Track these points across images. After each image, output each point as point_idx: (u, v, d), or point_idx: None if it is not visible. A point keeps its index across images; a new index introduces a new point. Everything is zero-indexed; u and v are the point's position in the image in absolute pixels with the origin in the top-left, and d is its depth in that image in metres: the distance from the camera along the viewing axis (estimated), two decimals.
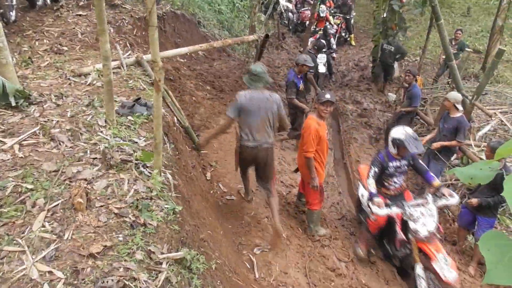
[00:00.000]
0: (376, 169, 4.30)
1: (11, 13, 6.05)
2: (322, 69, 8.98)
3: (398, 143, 4.16)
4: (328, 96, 4.20)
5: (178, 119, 4.85)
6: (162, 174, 3.05)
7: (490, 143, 4.54)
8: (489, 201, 4.44)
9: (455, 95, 5.51)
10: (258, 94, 4.08)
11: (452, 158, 6.40)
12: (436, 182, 4.30)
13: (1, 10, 5.72)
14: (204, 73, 7.61)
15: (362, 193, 4.94)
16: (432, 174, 4.44)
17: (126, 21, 7.12)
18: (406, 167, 4.46)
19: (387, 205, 4.17)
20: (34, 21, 6.60)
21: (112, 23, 6.77)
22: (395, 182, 4.47)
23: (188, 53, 6.88)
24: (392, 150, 4.30)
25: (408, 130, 4.20)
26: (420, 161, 4.55)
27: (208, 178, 4.85)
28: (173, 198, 2.90)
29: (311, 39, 10.00)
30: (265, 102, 4.05)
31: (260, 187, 4.60)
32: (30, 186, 2.65)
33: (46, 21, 6.77)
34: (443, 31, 6.61)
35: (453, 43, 9.56)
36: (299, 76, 6.17)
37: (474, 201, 4.54)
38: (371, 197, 4.16)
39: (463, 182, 1.32)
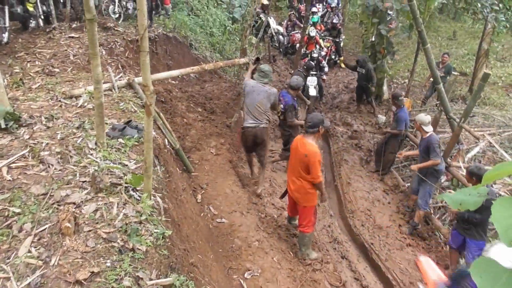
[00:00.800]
0: None
1: (3, 34, 6.07)
2: (312, 92, 9.09)
3: None
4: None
5: (169, 141, 4.84)
6: (152, 197, 3.03)
7: (469, 167, 4.62)
8: (463, 216, 4.46)
9: (420, 117, 5.71)
10: (260, 86, 5.29)
11: (443, 180, 6.45)
12: None
13: None
14: (195, 95, 7.65)
15: None
16: None
17: (118, 43, 7.18)
18: None
19: None
20: (27, 42, 6.62)
21: (104, 45, 6.82)
22: None
23: (179, 75, 6.94)
24: None
25: None
26: None
27: (198, 201, 4.82)
28: (162, 222, 2.87)
29: (301, 62, 10.15)
30: (263, 93, 5.24)
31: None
32: (17, 210, 2.60)
33: (38, 43, 6.80)
34: (430, 55, 6.78)
35: (440, 67, 9.77)
36: (295, 98, 6.33)
37: (453, 211, 4.57)
38: None
39: (453, 207, 1.34)
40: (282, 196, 4.95)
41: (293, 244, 4.89)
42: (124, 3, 8.98)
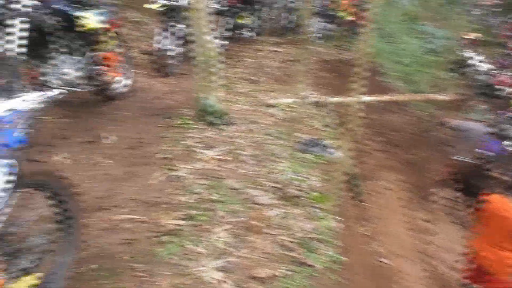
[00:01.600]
0: None
1: (224, 42, 7.07)
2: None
3: None
4: None
5: (346, 165, 4.82)
6: (332, 219, 3.05)
7: None
8: None
9: None
10: (475, 125, 5.74)
11: None
12: None
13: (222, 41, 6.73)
14: (376, 123, 7.45)
15: None
16: None
17: (314, 62, 7.55)
18: None
19: None
20: (236, 51, 7.52)
21: (301, 62, 7.26)
22: None
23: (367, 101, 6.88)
24: None
25: None
26: None
27: (365, 233, 4.65)
28: (338, 247, 2.85)
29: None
30: (477, 131, 5.56)
31: None
32: (216, 197, 2.96)
33: (245, 52, 7.69)
34: None
35: None
36: (500, 148, 5.62)
37: None
38: None
39: None
40: (465, 263, 4.31)
41: None
42: (323, 24, 9.46)
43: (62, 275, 1.94)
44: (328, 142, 4.26)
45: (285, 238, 2.67)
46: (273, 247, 2.56)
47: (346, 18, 9.62)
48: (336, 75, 7.91)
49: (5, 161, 1.61)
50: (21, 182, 1.68)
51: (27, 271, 1.74)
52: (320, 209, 3.08)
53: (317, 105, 5.53)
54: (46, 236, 1.88)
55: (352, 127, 2.90)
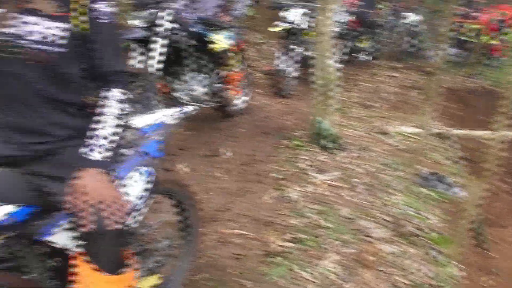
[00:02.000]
0: None
1: (339, 65, 7.04)
2: None
3: None
4: None
5: (470, 207, 4.33)
6: (454, 266, 2.74)
7: None
8: None
9: None
10: None
11: None
12: None
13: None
14: (509, 162, 6.60)
15: None
16: None
17: (435, 89, 7.04)
18: None
19: None
20: (351, 74, 7.39)
21: (420, 88, 6.87)
22: None
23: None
24: None
25: None
26: None
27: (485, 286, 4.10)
28: None
29: None
30: None
31: None
32: (326, 224, 2.88)
33: (361, 76, 7.51)
34: None
35: None
36: None
37: None
38: None
39: None
40: None
41: None
42: (450, 49, 8.82)
43: (180, 279, 2.06)
44: (451, 178, 3.88)
45: (399, 279, 2.47)
46: (385, 286, 2.39)
47: (485, 42, 8.81)
48: (462, 106, 7.27)
49: (145, 168, 1.76)
50: (156, 189, 1.82)
51: (152, 271, 1.87)
52: (440, 252, 2.80)
53: (439, 136, 5.11)
54: (169, 241, 2.01)
55: (486, 165, 2.58)
